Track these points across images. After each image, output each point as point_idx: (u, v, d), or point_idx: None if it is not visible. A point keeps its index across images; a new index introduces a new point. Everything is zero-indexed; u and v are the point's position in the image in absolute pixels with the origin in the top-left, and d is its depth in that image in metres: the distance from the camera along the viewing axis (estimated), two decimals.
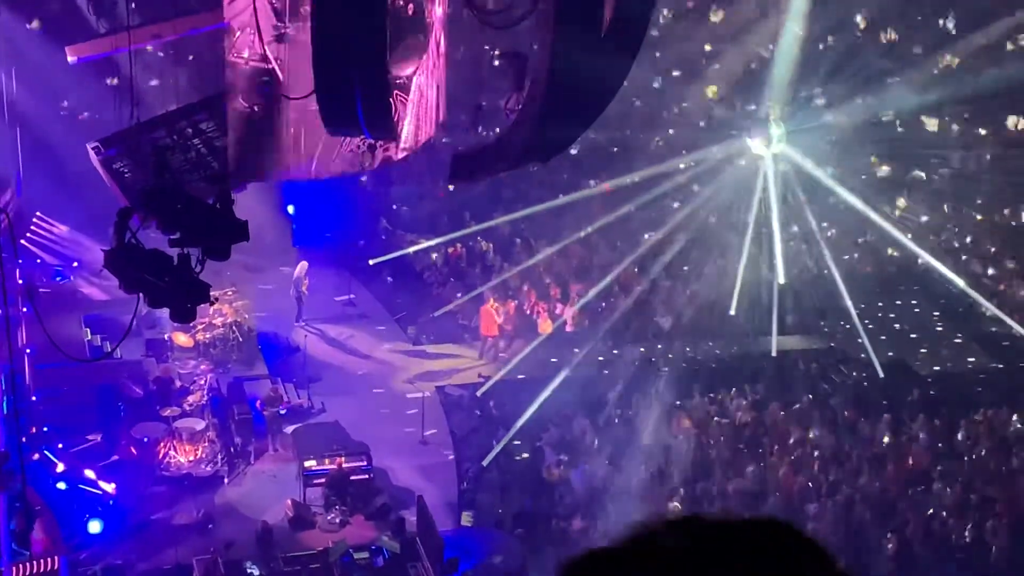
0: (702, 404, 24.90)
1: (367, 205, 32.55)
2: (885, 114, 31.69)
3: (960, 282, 29.07)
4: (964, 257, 31.00)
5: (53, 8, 29.32)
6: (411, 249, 30.84)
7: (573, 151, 28.50)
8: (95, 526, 20.50)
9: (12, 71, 27.81)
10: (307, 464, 22.23)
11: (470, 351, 28.02)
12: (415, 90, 15.68)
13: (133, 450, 22.85)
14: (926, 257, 29.62)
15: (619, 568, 1.80)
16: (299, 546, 20.87)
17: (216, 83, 16.64)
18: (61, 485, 21.29)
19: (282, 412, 24.36)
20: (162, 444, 22.81)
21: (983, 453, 23.61)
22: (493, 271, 30.29)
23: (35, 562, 18.60)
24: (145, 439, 22.94)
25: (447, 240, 30.91)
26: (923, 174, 32.71)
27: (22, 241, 26.93)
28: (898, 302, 30.65)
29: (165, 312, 14.85)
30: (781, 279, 28.33)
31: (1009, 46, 31.25)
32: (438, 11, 15.63)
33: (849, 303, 28.26)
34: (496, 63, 15.59)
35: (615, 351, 27.27)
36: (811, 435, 23.92)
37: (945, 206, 32.18)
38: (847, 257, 30.90)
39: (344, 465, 22.09)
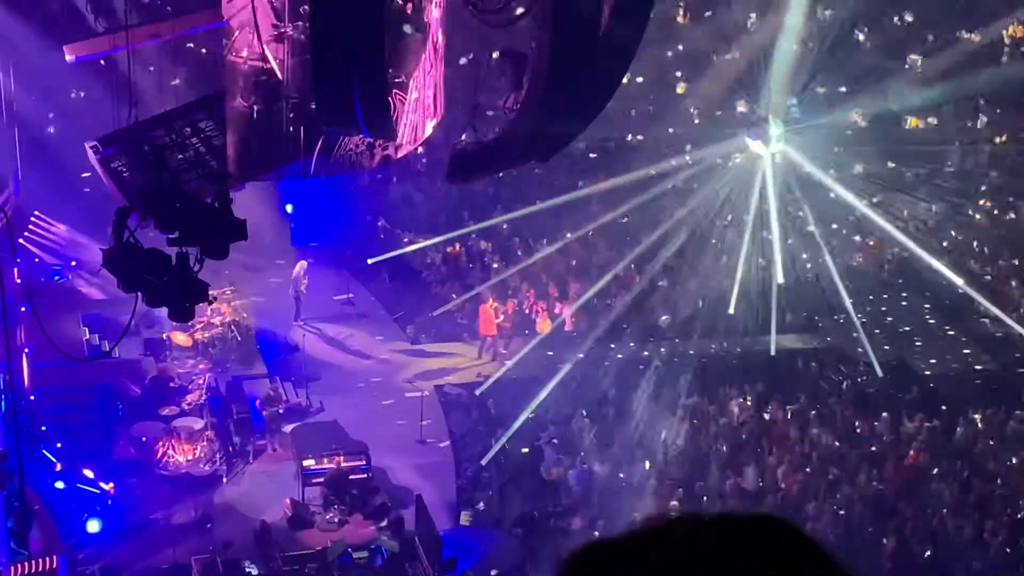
0: (701, 403, 24.89)
1: (366, 204, 32.54)
2: (884, 113, 31.66)
3: (959, 281, 29.07)
4: (963, 256, 30.99)
5: (52, 7, 29.31)
6: (410, 248, 30.83)
7: (572, 150, 28.47)
8: (93, 525, 20.49)
9: (10, 70, 27.81)
10: (306, 463, 22.23)
11: (469, 350, 28.01)
12: (414, 89, 15.68)
13: (131, 449, 22.85)
14: (925, 256, 29.61)
15: (618, 562, 1.80)
16: (298, 545, 20.86)
17: (214, 82, 16.65)
18: (59, 484, 21.28)
19: (281, 412, 24.36)
20: (160, 443, 22.80)
21: (981, 452, 23.61)
22: (492, 270, 30.29)
23: (33, 561, 18.58)
24: (143, 438, 22.93)
25: (446, 239, 30.90)
26: (922, 173, 32.69)
27: (20, 240, 26.94)
28: (897, 301, 30.65)
29: (163, 311, 14.83)
30: (780, 278, 28.33)
31: (1008, 45, 31.22)
32: (436, 10, 15.62)
33: (848, 302, 28.25)
34: (495, 62, 15.58)
35: (614, 350, 27.27)
36: (810, 434, 23.93)
37: (944, 205, 32.17)
38: (846, 256, 30.89)
39: (343, 464, 22.08)
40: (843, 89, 31.61)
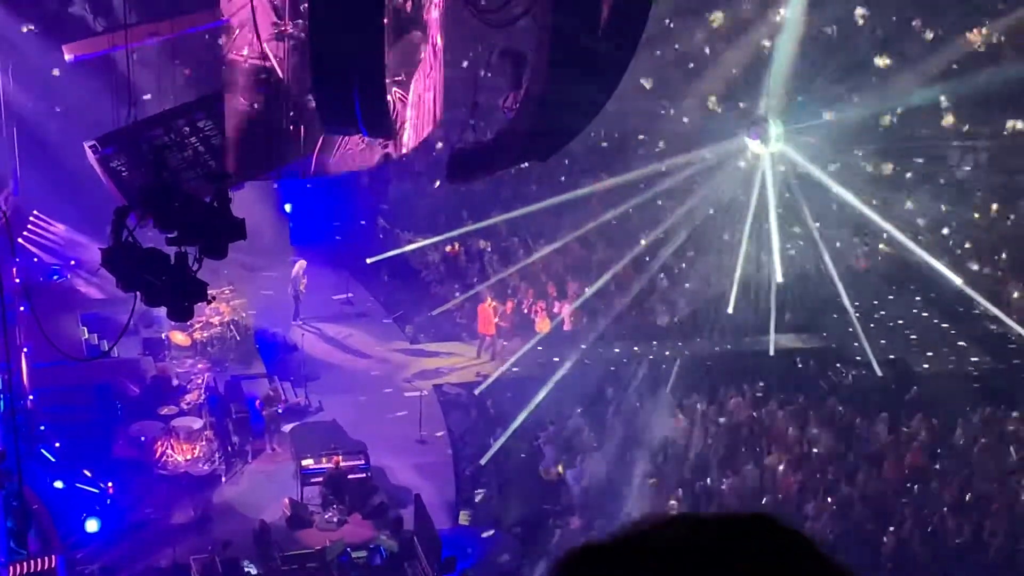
0: (700, 403, 24.88)
1: (365, 204, 32.54)
2: (883, 113, 31.66)
3: (958, 281, 29.07)
4: (962, 255, 30.99)
5: (50, 6, 29.29)
6: (409, 248, 30.83)
7: (571, 150, 28.46)
8: (92, 525, 20.49)
9: (9, 69, 27.78)
10: (304, 463, 22.23)
11: (468, 350, 28.02)
12: (414, 88, 15.67)
13: (130, 449, 22.84)
14: (924, 256, 29.60)
15: (614, 563, 1.80)
16: (297, 545, 20.85)
17: (213, 82, 16.63)
18: (58, 484, 21.28)
19: (280, 412, 24.35)
20: (159, 443, 22.81)
21: (981, 452, 23.61)
22: (491, 270, 30.28)
23: (32, 561, 18.58)
24: (142, 438, 22.94)
25: (445, 239, 30.90)
26: (921, 172, 32.69)
27: (19, 240, 26.94)
28: (896, 301, 30.65)
29: (162, 311, 14.82)
30: (779, 278, 28.32)
31: (1007, 44, 31.22)
32: (435, 9, 15.62)
33: (847, 302, 28.25)
34: (494, 61, 15.57)
35: (613, 350, 27.26)
36: (809, 433, 23.93)
37: (943, 204, 32.16)
38: (845, 256, 30.88)
39: (341, 464, 22.07)
40: (842, 88, 31.57)
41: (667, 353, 27.12)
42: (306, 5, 14.11)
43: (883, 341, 28.21)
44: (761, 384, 25.53)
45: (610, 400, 24.93)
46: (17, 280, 22.82)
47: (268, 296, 28.92)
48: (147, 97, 20.11)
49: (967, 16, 31.24)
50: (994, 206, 32.29)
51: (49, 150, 28.57)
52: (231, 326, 26.89)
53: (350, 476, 22.08)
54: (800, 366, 27.04)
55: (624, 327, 28.13)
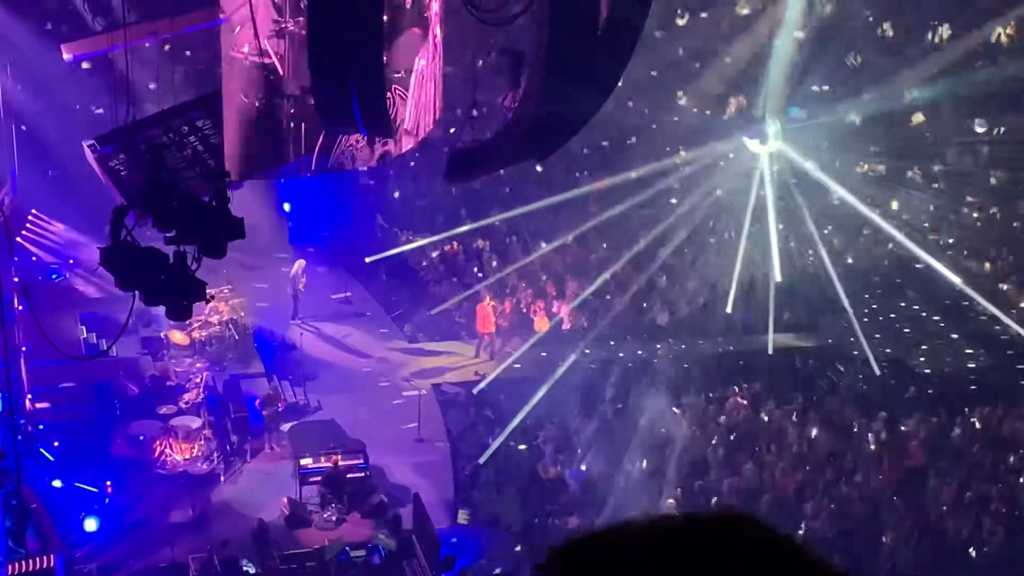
0: (699, 402, 24.90)
1: (363, 203, 32.53)
2: (882, 111, 31.66)
3: (957, 280, 29.08)
4: (961, 255, 31.00)
5: (50, 6, 29.29)
6: (408, 247, 30.83)
7: (570, 149, 28.45)
8: (91, 524, 20.47)
9: (7, 68, 27.78)
10: (303, 462, 22.22)
11: (467, 349, 28.02)
12: (413, 85, 15.65)
13: (129, 448, 22.83)
14: (923, 255, 29.61)
15: (594, 564, 1.81)
16: (295, 544, 20.84)
17: (212, 81, 16.61)
18: (57, 483, 21.27)
19: (280, 411, 24.34)
20: (158, 442, 22.80)
21: (979, 451, 23.62)
22: (490, 269, 30.28)
23: (31, 560, 18.57)
24: (141, 437, 22.94)
25: (444, 238, 30.90)
26: (920, 171, 32.68)
27: (18, 239, 26.93)
28: (895, 300, 30.66)
29: (161, 310, 14.79)
30: (778, 277, 28.33)
31: (1006, 43, 31.22)
32: (435, 5, 15.60)
33: (846, 301, 28.26)
34: (493, 60, 15.55)
35: (612, 349, 27.26)
36: (808, 433, 23.93)
37: (942, 203, 32.17)
38: (844, 255, 30.89)
39: (340, 463, 22.07)
40: (841, 87, 31.58)
41: (666, 352, 27.13)
42: (306, 2, 14.09)
43: (881, 340, 28.23)
44: (760, 383, 25.54)
45: (609, 399, 24.93)
46: (16, 279, 22.81)
47: (267, 295, 28.89)
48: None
49: (967, 16, 31.24)
50: (993, 205, 32.28)
51: (48, 149, 28.58)
52: (230, 325, 26.89)
53: (349, 475, 22.07)
54: (799, 365, 27.04)
55: (623, 326, 28.13)
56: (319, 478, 22.03)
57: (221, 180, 13.60)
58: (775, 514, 20.85)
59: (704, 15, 32.40)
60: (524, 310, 28.62)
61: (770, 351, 27.22)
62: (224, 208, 12.84)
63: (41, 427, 22.72)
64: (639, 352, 27.04)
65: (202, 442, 22.97)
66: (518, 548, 21.00)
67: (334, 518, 21.51)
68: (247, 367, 26.36)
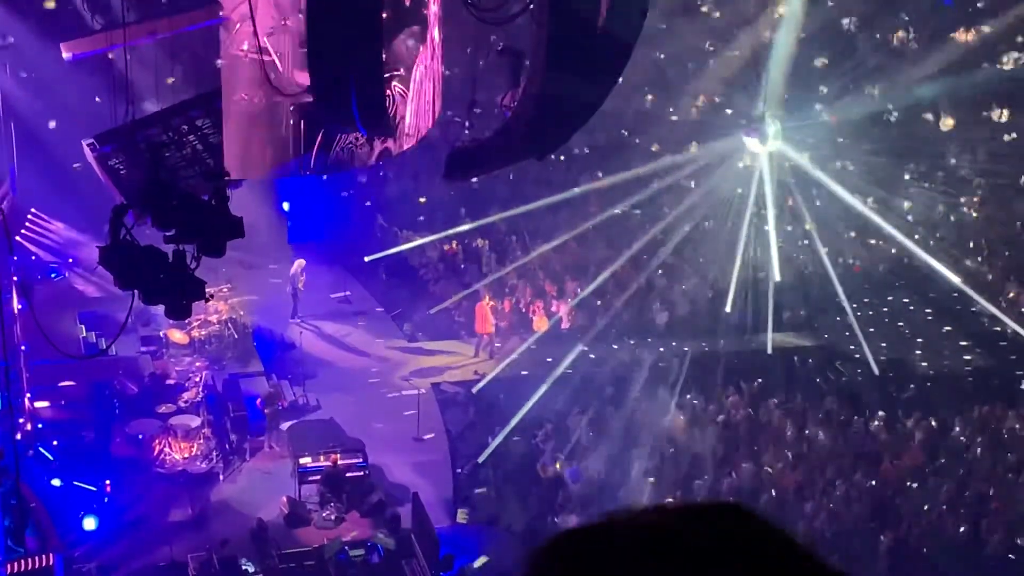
0: (698, 401, 24.89)
1: (363, 202, 32.51)
2: (881, 111, 31.67)
3: (956, 279, 29.08)
4: (960, 254, 31.00)
5: (49, 5, 29.24)
6: (407, 246, 30.81)
7: (569, 148, 28.48)
8: (90, 523, 20.47)
9: (7, 67, 27.76)
10: (302, 461, 22.22)
11: (466, 348, 28.01)
12: (412, 83, 15.65)
13: (128, 447, 22.83)
14: (922, 254, 29.62)
15: (585, 554, 1.80)
16: (294, 543, 20.84)
17: (211, 80, 16.60)
18: (56, 482, 21.26)
19: (281, 410, 24.33)
20: (157, 441, 22.80)
21: (978, 450, 23.63)
22: (489, 268, 30.27)
23: (30, 559, 18.57)
24: (140, 436, 22.93)
25: (443, 237, 30.89)
26: (919, 171, 32.70)
27: (17, 238, 26.91)
28: (894, 299, 30.65)
29: (160, 309, 14.81)
30: (777, 276, 28.33)
31: (1006, 44, 31.24)
32: (434, 4, 15.60)
33: (845, 300, 28.26)
34: (492, 59, 15.57)
35: (611, 348, 27.26)
36: (806, 432, 23.93)
37: (941, 203, 32.18)
38: (843, 254, 30.89)
39: (339, 462, 22.07)
40: (840, 87, 31.58)
41: (665, 352, 27.12)
42: (305, 1, 14.09)
43: (881, 340, 28.22)
44: (759, 383, 25.53)
45: (608, 398, 24.93)
46: (15, 278, 22.81)
47: (266, 294, 28.88)
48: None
49: (966, 16, 31.26)
50: (992, 205, 32.30)
51: (47, 148, 28.57)
52: (229, 324, 26.89)
53: (348, 474, 22.07)
54: (798, 365, 27.03)
55: (622, 326, 28.12)
56: (318, 477, 22.02)
57: (220, 179, 13.61)
58: (775, 514, 20.83)
59: (704, 13, 32.38)
60: (523, 309, 28.62)
61: (769, 350, 27.22)
62: (223, 207, 12.85)
63: (40, 426, 22.71)
64: (638, 351, 27.03)
65: (201, 441, 22.97)
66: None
67: (333, 517, 21.51)
68: (246, 366, 26.36)
